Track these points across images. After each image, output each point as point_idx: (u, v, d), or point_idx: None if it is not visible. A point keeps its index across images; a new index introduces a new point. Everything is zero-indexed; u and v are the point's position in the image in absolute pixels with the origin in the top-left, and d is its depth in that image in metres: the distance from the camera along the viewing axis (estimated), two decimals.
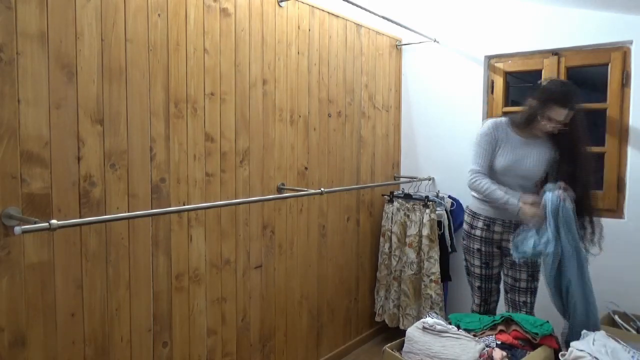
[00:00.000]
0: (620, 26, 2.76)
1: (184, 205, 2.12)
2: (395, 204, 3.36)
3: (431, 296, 3.15)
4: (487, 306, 2.61)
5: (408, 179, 3.58)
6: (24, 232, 1.44)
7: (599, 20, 2.82)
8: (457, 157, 3.39)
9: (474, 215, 2.56)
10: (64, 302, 1.74)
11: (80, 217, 1.75)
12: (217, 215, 2.29)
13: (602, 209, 2.87)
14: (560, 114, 2.23)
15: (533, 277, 2.48)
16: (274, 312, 2.66)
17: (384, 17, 3.02)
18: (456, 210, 3.37)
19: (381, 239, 3.42)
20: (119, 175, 1.88)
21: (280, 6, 2.56)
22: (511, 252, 2.31)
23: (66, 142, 1.71)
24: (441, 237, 3.24)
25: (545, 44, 3.02)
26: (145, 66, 1.95)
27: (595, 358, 1.93)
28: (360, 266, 3.36)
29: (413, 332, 2.20)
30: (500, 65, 3.24)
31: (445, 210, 3.31)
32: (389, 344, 2.22)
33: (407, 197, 3.35)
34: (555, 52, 3.01)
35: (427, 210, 3.20)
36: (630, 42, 2.76)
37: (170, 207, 2.06)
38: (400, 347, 2.22)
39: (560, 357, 2.03)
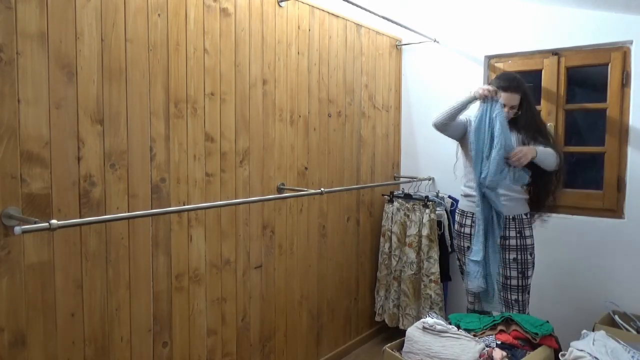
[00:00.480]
0: (620, 26, 2.76)
1: (184, 205, 2.12)
2: (395, 204, 3.36)
3: (431, 296, 3.15)
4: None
5: (408, 179, 3.58)
6: (24, 232, 1.44)
7: (599, 20, 2.82)
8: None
9: (463, 213, 2.65)
10: (64, 302, 1.74)
11: (80, 217, 1.75)
12: (217, 215, 2.29)
13: (602, 209, 2.88)
14: (507, 98, 2.45)
15: (523, 274, 2.50)
16: (274, 312, 2.66)
17: (384, 17, 3.02)
18: (456, 210, 3.37)
19: (381, 239, 3.42)
20: (119, 175, 1.88)
21: (280, 6, 2.56)
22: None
23: (66, 142, 1.71)
24: (441, 237, 3.24)
25: (545, 44, 3.02)
26: (145, 66, 1.95)
27: (595, 358, 1.93)
28: (360, 266, 3.36)
29: (413, 332, 2.20)
30: (500, 65, 3.24)
31: (445, 210, 3.31)
32: (389, 344, 2.22)
33: (407, 197, 3.35)
34: (555, 52, 3.01)
35: (427, 210, 3.20)
36: (630, 42, 2.76)
37: (170, 207, 2.06)
38: (400, 347, 2.22)
39: (560, 357, 2.03)
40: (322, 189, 2.58)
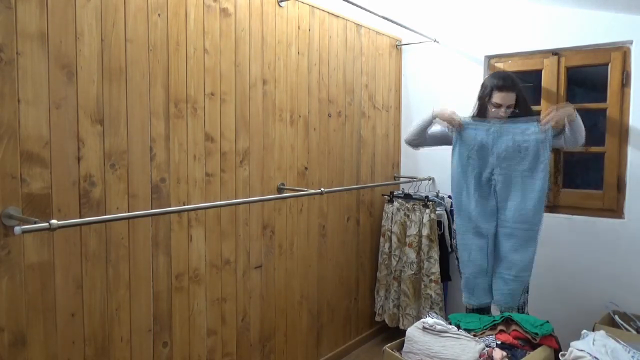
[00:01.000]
0: (620, 26, 2.76)
1: (184, 205, 2.12)
2: (395, 204, 3.36)
3: (431, 296, 3.15)
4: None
5: (408, 179, 3.58)
6: (24, 232, 1.44)
7: (599, 20, 2.82)
8: None
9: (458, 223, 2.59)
10: (64, 302, 1.74)
11: (80, 217, 1.75)
12: (217, 215, 2.29)
13: (602, 209, 2.88)
14: (503, 98, 2.41)
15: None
16: (274, 312, 2.66)
17: (384, 17, 3.02)
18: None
19: (381, 239, 3.42)
20: (119, 175, 1.88)
21: (280, 6, 2.56)
22: None
23: (66, 142, 1.71)
24: (441, 237, 3.24)
25: (545, 44, 3.02)
26: (145, 66, 1.95)
27: (595, 358, 1.93)
28: (360, 266, 3.36)
29: (413, 332, 2.20)
30: (500, 65, 3.24)
31: (445, 210, 3.31)
32: (389, 344, 2.22)
33: (407, 197, 3.35)
34: (555, 52, 3.01)
35: (427, 210, 3.20)
36: (630, 42, 2.76)
37: (170, 207, 2.06)
38: (400, 347, 2.22)
39: (560, 357, 2.03)
40: (322, 189, 2.58)
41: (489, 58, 3.28)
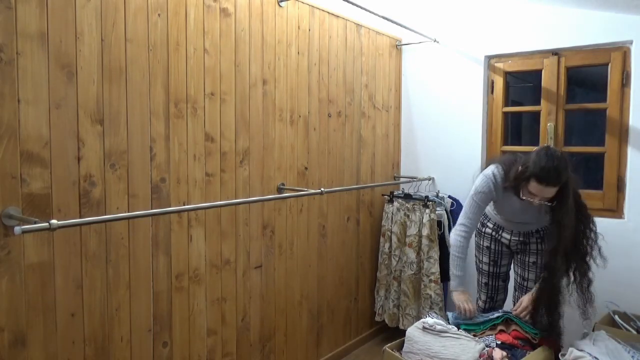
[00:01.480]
0: (620, 26, 2.76)
1: (184, 205, 2.12)
2: (395, 204, 3.36)
3: (431, 296, 3.15)
4: (492, 304, 2.60)
5: (408, 179, 3.58)
6: (24, 232, 1.44)
7: (599, 20, 2.82)
8: (457, 157, 3.39)
9: (486, 215, 2.54)
10: (64, 302, 1.74)
11: (80, 217, 1.75)
12: (217, 215, 2.29)
13: (602, 209, 2.88)
14: (540, 190, 2.02)
15: None
16: (274, 312, 2.66)
17: (384, 17, 3.02)
18: (456, 210, 3.37)
19: (381, 239, 3.42)
20: (119, 175, 1.88)
21: (280, 6, 2.56)
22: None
23: (66, 142, 1.71)
24: (441, 237, 3.24)
25: (545, 44, 3.02)
26: (145, 66, 1.95)
27: (595, 358, 1.93)
28: (360, 266, 3.36)
29: (413, 332, 2.20)
30: (500, 65, 3.24)
31: (445, 210, 3.31)
32: (389, 344, 2.22)
33: (407, 197, 3.35)
34: (555, 52, 3.01)
35: (427, 210, 3.20)
36: (630, 42, 2.76)
37: (170, 207, 2.06)
38: (400, 347, 2.22)
39: (560, 357, 2.03)
40: (322, 189, 2.58)
41: (489, 58, 3.28)
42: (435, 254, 3.17)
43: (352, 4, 2.70)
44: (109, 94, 1.83)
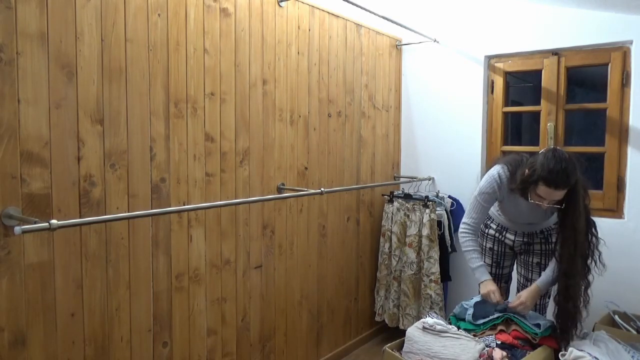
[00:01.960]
0: (620, 26, 2.76)
1: (184, 205, 2.12)
2: (395, 204, 3.36)
3: (431, 296, 3.15)
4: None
5: (408, 179, 3.58)
6: (24, 232, 1.44)
7: (599, 20, 2.82)
8: (457, 157, 3.39)
9: (489, 216, 2.53)
10: (64, 302, 1.74)
11: (80, 217, 1.75)
12: (217, 215, 2.29)
13: (602, 209, 2.88)
14: (549, 194, 1.99)
15: None
16: (274, 312, 2.66)
17: (384, 17, 3.02)
18: (456, 210, 3.37)
19: (381, 239, 3.42)
20: (119, 175, 1.88)
21: (280, 6, 2.56)
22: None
23: (66, 142, 1.71)
24: (441, 237, 3.24)
25: (545, 44, 3.02)
26: (145, 66, 1.95)
27: (595, 358, 1.93)
28: (360, 266, 3.36)
29: (413, 332, 2.20)
30: (500, 65, 3.24)
31: (445, 210, 3.31)
32: (389, 344, 2.22)
33: (407, 197, 3.35)
34: (555, 52, 3.01)
35: (427, 210, 3.20)
36: (630, 42, 2.76)
37: (170, 207, 2.06)
38: (400, 347, 2.22)
39: (560, 357, 2.03)
40: (322, 189, 2.58)
41: (489, 58, 3.28)
42: (436, 254, 3.17)
43: (352, 4, 2.70)
44: (109, 94, 1.83)
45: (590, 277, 2.16)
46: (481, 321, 2.26)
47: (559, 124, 3.02)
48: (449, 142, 3.45)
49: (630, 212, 2.79)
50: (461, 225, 2.38)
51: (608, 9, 2.76)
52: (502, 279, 2.56)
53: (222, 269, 2.33)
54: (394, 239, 3.33)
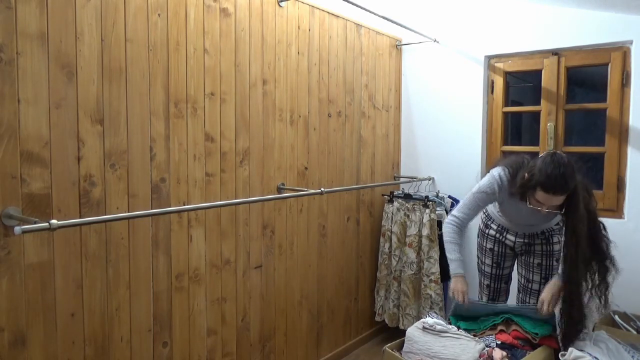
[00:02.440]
0: (620, 26, 2.76)
1: (184, 205, 2.12)
2: (395, 204, 3.36)
3: (431, 296, 3.15)
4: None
5: (408, 179, 3.58)
6: (24, 232, 1.44)
7: (599, 20, 2.82)
8: (457, 157, 3.39)
9: (490, 217, 2.53)
10: (64, 302, 1.74)
11: (80, 217, 1.75)
12: (217, 215, 2.29)
13: (602, 209, 2.87)
14: (547, 199, 1.97)
15: (547, 280, 2.36)
16: (274, 312, 2.66)
17: (384, 17, 3.02)
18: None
19: (381, 239, 3.42)
20: (119, 175, 1.88)
21: (280, 6, 2.56)
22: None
23: (66, 142, 1.71)
24: (441, 237, 3.23)
25: (545, 44, 3.02)
26: (145, 66, 1.95)
27: (595, 358, 1.93)
28: (360, 266, 3.36)
29: (413, 332, 2.20)
30: (500, 65, 3.24)
31: (445, 210, 3.31)
32: (389, 344, 2.22)
33: (407, 197, 3.35)
34: (555, 52, 3.01)
35: (427, 210, 3.20)
36: (630, 42, 2.76)
37: (170, 207, 2.06)
38: (400, 347, 2.22)
39: (560, 357, 2.03)
40: (322, 189, 2.58)
41: (489, 58, 3.28)
42: (436, 254, 3.17)
43: (352, 4, 2.70)
44: (109, 94, 1.83)
45: (609, 279, 2.11)
46: (482, 311, 2.26)
47: (559, 124, 3.02)
48: (449, 142, 3.45)
49: (630, 212, 2.79)
50: (449, 217, 2.36)
51: (608, 9, 2.76)
52: (502, 280, 2.56)
53: (222, 269, 2.33)
54: (394, 239, 3.33)
